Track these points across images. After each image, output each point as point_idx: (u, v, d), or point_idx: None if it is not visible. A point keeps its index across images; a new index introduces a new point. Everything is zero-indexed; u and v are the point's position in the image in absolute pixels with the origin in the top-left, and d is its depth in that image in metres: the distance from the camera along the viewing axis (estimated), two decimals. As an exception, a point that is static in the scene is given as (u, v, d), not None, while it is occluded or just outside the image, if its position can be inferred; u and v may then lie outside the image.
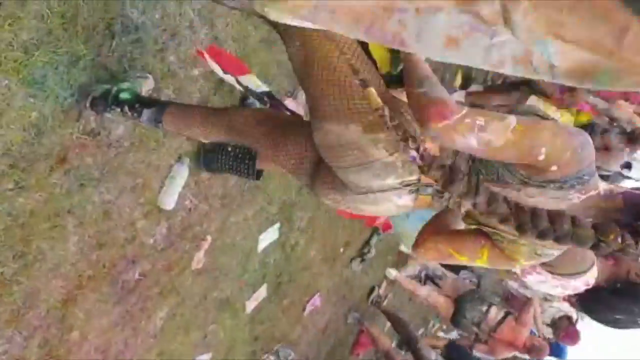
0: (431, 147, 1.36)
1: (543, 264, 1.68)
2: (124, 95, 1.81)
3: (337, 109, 1.37)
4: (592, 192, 1.34)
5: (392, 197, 1.43)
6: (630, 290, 1.88)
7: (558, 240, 1.24)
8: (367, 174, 1.40)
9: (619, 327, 2.12)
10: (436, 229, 1.59)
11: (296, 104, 2.83)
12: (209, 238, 2.72)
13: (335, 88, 1.37)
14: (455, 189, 1.23)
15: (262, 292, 3.46)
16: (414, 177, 1.41)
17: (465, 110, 1.22)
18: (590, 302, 2.10)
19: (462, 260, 1.56)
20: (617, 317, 2.04)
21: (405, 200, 1.44)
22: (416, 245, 1.60)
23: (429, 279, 5.22)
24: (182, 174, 2.33)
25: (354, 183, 1.43)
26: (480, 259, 1.52)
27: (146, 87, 1.94)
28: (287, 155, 1.61)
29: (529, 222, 1.23)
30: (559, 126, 1.30)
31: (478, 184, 1.26)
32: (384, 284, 5.71)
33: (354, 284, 5.09)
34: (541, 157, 1.25)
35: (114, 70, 1.85)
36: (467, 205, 1.32)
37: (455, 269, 5.55)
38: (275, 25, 1.38)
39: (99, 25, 1.74)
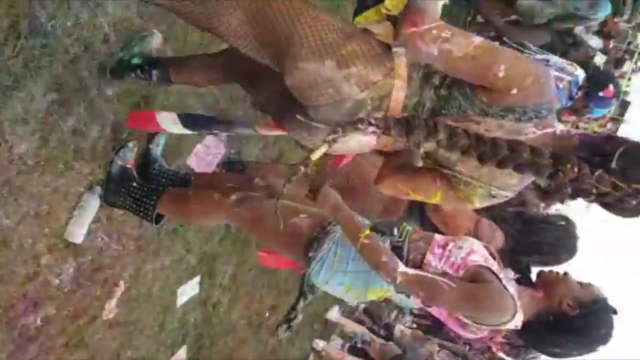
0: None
1: (467, 317, 1.72)
2: (135, 60, 2.01)
3: (310, 45, 1.40)
4: (549, 130, 1.42)
5: (358, 135, 1.43)
6: (564, 324, 1.80)
7: (517, 168, 1.31)
8: (340, 111, 1.44)
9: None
10: (396, 166, 1.63)
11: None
12: (122, 285, 2.47)
13: (306, 26, 1.41)
14: (416, 137, 1.33)
15: (182, 355, 3.17)
16: (381, 114, 1.44)
17: (438, 22, 1.33)
18: (524, 338, 2.02)
19: (418, 198, 1.62)
20: (554, 350, 1.97)
21: (370, 138, 1.48)
22: (376, 181, 1.67)
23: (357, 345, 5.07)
24: (92, 204, 2.13)
25: (326, 120, 1.45)
26: (435, 199, 1.58)
27: (155, 43, 2.09)
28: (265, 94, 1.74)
29: (490, 151, 1.31)
30: (521, 55, 1.40)
31: (436, 124, 1.35)
32: (312, 356, 5.46)
33: (280, 355, 4.81)
34: (501, 74, 1.32)
35: (19, 74, 1.71)
36: (426, 147, 1.37)
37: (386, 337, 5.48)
38: None
39: (2, 21, 1.61)
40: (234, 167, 2.80)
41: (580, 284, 1.89)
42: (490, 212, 2.24)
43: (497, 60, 1.33)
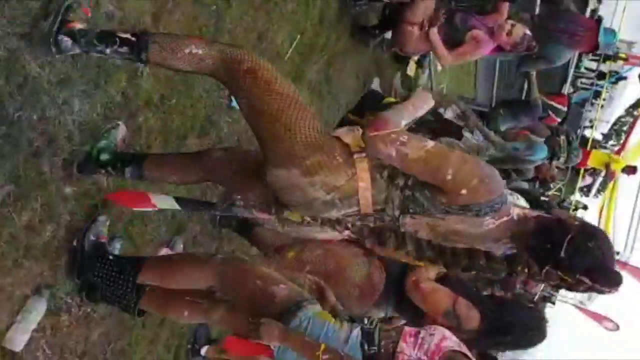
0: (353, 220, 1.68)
1: None
2: (104, 157, 2.01)
3: (280, 155, 1.62)
4: (505, 218, 1.55)
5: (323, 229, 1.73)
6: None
7: (477, 273, 1.58)
8: (312, 210, 1.67)
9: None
10: None
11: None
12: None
13: (277, 138, 1.63)
14: (387, 248, 1.61)
15: None
16: (353, 210, 1.64)
17: (398, 129, 1.54)
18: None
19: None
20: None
21: (334, 234, 1.75)
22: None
23: None
24: (38, 309, 1.99)
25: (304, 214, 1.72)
26: None
27: (120, 135, 2.09)
28: (254, 193, 1.83)
29: (451, 260, 1.56)
30: (471, 157, 1.59)
31: (404, 237, 1.59)
32: None
33: None
34: (449, 177, 1.49)
35: (-22, 159, 1.68)
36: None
37: None
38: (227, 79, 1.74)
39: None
40: None
41: None
42: (467, 293, 2.32)
43: (444, 164, 1.50)
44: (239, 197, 1.85)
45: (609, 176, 10.66)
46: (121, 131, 2.14)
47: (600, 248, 1.55)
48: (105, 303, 2.23)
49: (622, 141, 14.80)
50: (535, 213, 1.64)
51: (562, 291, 16.26)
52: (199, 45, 1.72)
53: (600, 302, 13.99)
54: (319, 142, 1.63)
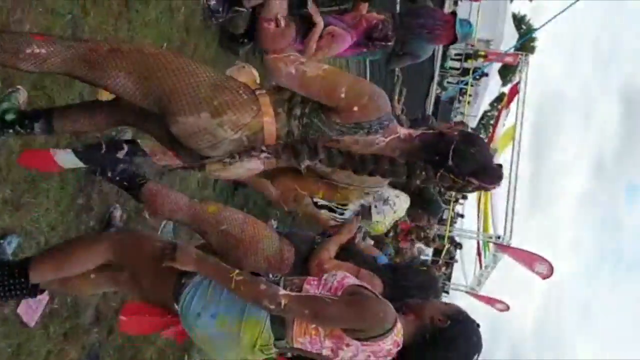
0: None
1: (350, 332, 1.73)
2: (9, 117, 1.98)
3: (187, 102, 1.63)
4: (394, 135, 1.72)
5: (243, 163, 1.75)
6: (440, 338, 1.84)
7: (383, 175, 1.70)
8: (221, 150, 1.71)
9: None
10: (284, 173, 1.98)
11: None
12: None
13: (183, 83, 1.64)
14: (302, 158, 1.69)
15: None
16: (258, 146, 1.73)
17: (297, 54, 1.67)
18: None
19: (305, 193, 2.03)
20: None
21: (256, 163, 1.77)
22: (271, 184, 2.12)
23: None
24: None
25: (213, 156, 1.75)
26: (318, 195, 2.01)
27: (22, 98, 2.07)
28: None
29: (360, 165, 1.68)
30: (361, 78, 1.74)
31: (316, 147, 1.69)
32: None
33: None
34: (342, 95, 1.63)
35: None
36: (306, 163, 1.71)
37: None
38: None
39: None
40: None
41: (444, 303, 2.03)
42: (367, 262, 2.41)
43: (339, 82, 1.64)
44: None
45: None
46: (22, 94, 2.12)
47: (481, 152, 1.76)
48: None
49: (489, 134, 15.97)
50: (419, 131, 1.81)
51: (454, 280, 17.19)
52: (41, 44, 1.63)
53: (488, 288, 14.91)
54: (221, 82, 1.68)
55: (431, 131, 1.78)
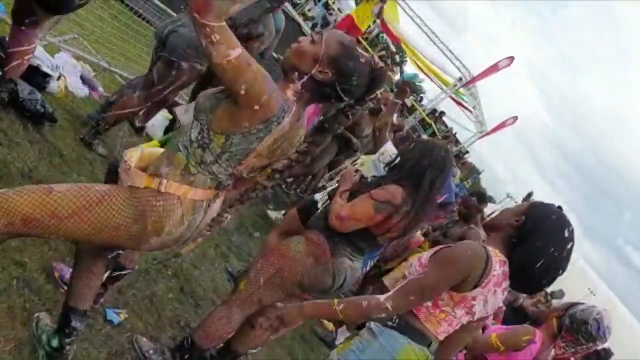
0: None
1: (463, 286, 1.85)
2: (54, 343, 2.08)
3: (133, 244, 1.76)
4: (291, 107, 1.70)
5: (209, 216, 1.86)
6: (525, 235, 1.92)
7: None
8: (188, 233, 1.82)
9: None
10: None
11: None
12: None
13: (114, 239, 1.72)
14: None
15: None
16: (203, 208, 1.80)
17: (219, 24, 1.48)
18: (519, 275, 1.99)
19: None
20: (545, 259, 1.90)
21: (215, 207, 1.85)
22: None
23: None
24: None
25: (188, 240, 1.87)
26: None
27: (47, 321, 2.16)
28: None
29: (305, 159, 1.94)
30: (263, 74, 1.62)
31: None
32: None
33: None
34: (242, 92, 1.57)
35: None
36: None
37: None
38: None
39: None
40: None
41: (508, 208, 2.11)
42: (373, 183, 2.60)
43: (239, 79, 1.56)
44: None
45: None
46: (45, 318, 2.19)
47: (360, 63, 1.76)
48: None
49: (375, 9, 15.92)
50: (298, 83, 1.77)
51: (462, 139, 17.36)
52: None
53: (492, 119, 15.03)
54: (136, 210, 1.69)
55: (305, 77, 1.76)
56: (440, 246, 1.99)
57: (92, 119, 3.65)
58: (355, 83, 1.76)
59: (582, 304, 3.07)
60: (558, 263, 1.87)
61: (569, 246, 1.88)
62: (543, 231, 1.88)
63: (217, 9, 1.47)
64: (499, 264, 1.86)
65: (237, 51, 1.54)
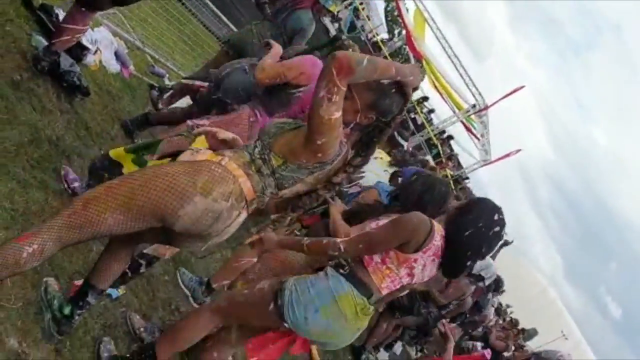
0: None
1: (406, 247, 2.23)
2: (66, 310, 2.18)
3: (176, 198, 1.74)
4: (346, 148, 2.01)
5: (237, 222, 1.90)
6: (461, 212, 2.36)
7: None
8: (221, 222, 1.83)
9: None
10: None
11: None
12: None
13: (161, 187, 1.75)
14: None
15: None
16: (242, 204, 1.87)
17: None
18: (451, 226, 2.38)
19: None
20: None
21: (243, 216, 1.91)
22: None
23: None
24: None
25: (216, 231, 1.87)
26: None
27: (56, 286, 2.29)
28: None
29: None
30: (341, 132, 1.88)
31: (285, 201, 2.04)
32: None
33: None
34: (319, 143, 1.84)
35: None
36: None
37: None
38: None
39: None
40: None
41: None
42: (377, 211, 2.84)
43: (326, 134, 1.80)
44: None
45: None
46: (53, 283, 2.33)
47: (392, 94, 1.91)
48: None
49: (402, 26, 15.95)
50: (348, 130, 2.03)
51: (465, 164, 17.39)
52: (29, 242, 1.71)
53: (497, 148, 15.12)
54: (190, 167, 1.81)
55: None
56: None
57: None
58: (395, 109, 1.95)
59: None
60: (484, 239, 2.26)
61: (496, 229, 2.26)
62: (477, 209, 2.31)
63: (354, 77, 1.72)
64: (439, 236, 2.25)
65: (339, 114, 1.77)
